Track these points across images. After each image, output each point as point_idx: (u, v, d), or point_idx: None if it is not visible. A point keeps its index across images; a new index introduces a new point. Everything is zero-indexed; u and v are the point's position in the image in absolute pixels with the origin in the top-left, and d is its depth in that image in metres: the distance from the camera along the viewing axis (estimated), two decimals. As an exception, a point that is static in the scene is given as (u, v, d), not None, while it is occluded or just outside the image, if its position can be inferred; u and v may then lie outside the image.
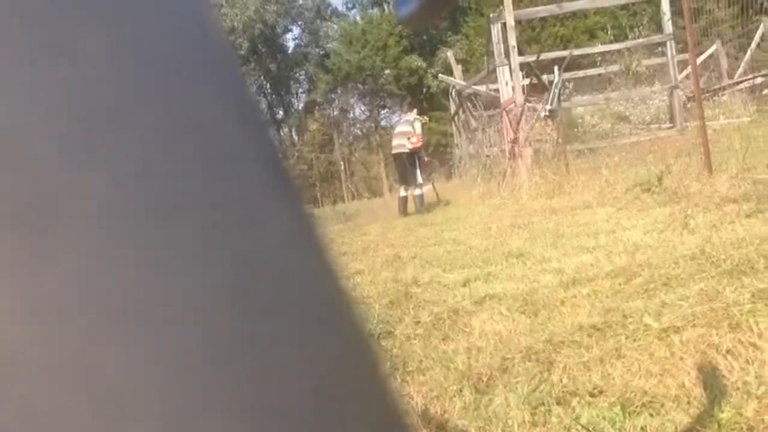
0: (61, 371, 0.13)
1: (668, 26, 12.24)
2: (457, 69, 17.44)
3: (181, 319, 0.14)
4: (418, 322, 3.16)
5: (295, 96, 35.99)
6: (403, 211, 9.89)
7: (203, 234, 0.15)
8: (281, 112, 35.37)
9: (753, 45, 15.77)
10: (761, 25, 15.69)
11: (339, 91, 32.52)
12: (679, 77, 12.58)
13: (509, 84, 10.85)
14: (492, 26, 11.43)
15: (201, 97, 0.17)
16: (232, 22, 30.16)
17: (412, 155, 9.86)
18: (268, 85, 34.74)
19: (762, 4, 18.09)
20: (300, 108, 34.93)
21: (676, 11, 11.58)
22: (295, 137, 33.69)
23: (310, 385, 0.16)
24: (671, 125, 12.41)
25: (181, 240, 0.15)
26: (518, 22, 12.12)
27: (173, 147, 0.16)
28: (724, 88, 14.84)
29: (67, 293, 0.13)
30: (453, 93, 17.83)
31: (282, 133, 34.88)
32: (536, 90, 11.54)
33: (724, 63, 16.56)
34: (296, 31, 35.64)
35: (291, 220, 0.18)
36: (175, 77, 0.17)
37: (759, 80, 14.28)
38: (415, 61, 29.65)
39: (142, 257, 0.14)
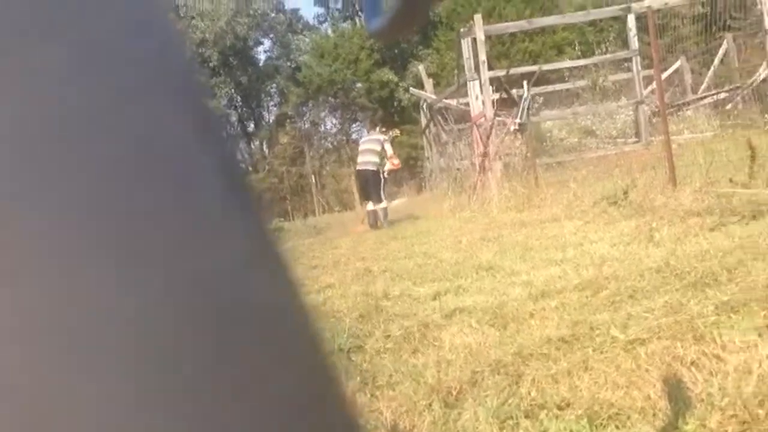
0: (9, 393, 0.12)
1: (634, 42, 12.48)
2: (428, 83, 17.57)
3: (134, 341, 0.14)
4: (389, 336, 3.16)
5: (266, 109, 35.90)
6: (374, 224, 9.94)
7: (160, 252, 0.15)
8: (252, 125, 35.24)
9: (716, 61, 16.15)
10: (724, 42, 16.09)
11: (310, 105, 32.51)
12: (645, 92, 12.82)
13: (479, 98, 10.96)
14: (462, 41, 11.55)
15: (159, 107, 0.17)
16: (203, 33, 30.01)
17: (377, 173, 9.98)
18: (239, 98, 34.58)
19: (725, 21, 18.57)
20: (271, 121, 34.83)
21: (642, 27, 11.83)
22: (266, 150, 33.56)
23: (272, 402, 0.16)
24: (637, 139, 12.63)
25: (136, 257, 0.14)
26: (488, 37, 12.27)
27: (128, 160, 0.15)
28: (688, 104, 15.16)
29: (19, 311, 0.13)
30: (424, 106, 17.95)
31: (253, 146, 34.73)
32: (506, 104, 11.67)
33: (688, 78, 16.94)
34: (267, 43, 35.52)
35: (252, 236, 0.18)
36: (132, 87, 0.16)
37: (722, 95, 14.62)
38: (387, 74, 29.79)
39: (95, 276, 0.14)
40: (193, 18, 30.35)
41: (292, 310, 0.18)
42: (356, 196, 24.65)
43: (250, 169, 32.70)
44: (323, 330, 0.18)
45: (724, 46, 16.04)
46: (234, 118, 34.78)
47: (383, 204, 10.09)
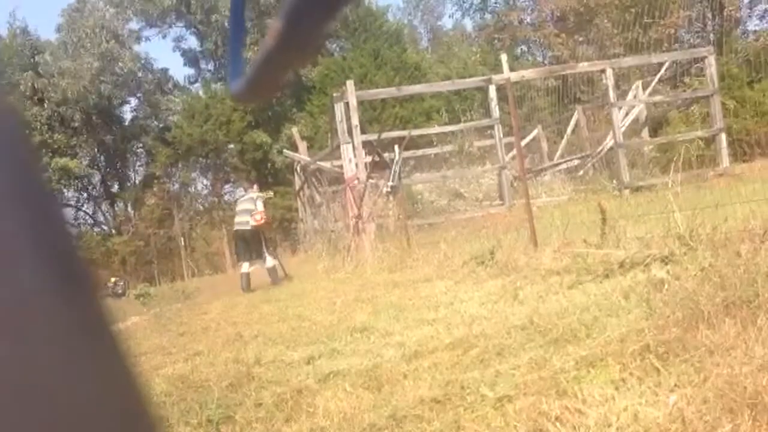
0: None
1: (495, 111, 13.30)
2: (302, 145, 17.71)
3: None
4: (260, 404, 3.05)
5: (132, 169, 34.53)
6: (247, 287, 9.72)
7: None
8: (116, 186, 33.73)
9: (569, 130, 17.51)
10: (575, 113, 17.50)
11: (180, 165, 31.68)
12: (507, 158, 13.61)
13: (353, 161, 11.17)
14: (335, 105, 11.80)
15: None
16: (64, 93, 28.64)
17: (257, 232, 9.87)
18: (103, 158, 33.13)
19: (575, 93, 20.24)
20: (137, 182, 33.52)
21: (502, 97, 12.63)
22: (132, 212, 32.15)
23: None
24: (501, 202, 13.32)
25: None
26: (360, 103, 12.62)
27: None
28: (545, 169, 16.24)
29: None
30: (298, 168, 18.02)
31: (117, 208, 33.17)
32: (378, 167, 11.96)
33: (544, 146, 18.20)
34: (134, 102, 34.40)
35: (78, 322, 0.16)
36: None
37: (575, 162, 15.81)
38: (260, 136, 29.68)
39: None
40: (53, 76, 28.97)
41: (127, 405, 0.16)
42: (228, 258, 24.08)
43: (114, 231, 31.13)
44: (161, 420, 0.17)
45: (575, 116, 17.44)
46: (97, 179, 33.21)
47: (270, 263, 9.98)
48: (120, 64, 31.02)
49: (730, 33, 27.39)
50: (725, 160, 13.51)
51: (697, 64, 17.70)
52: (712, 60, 14.28)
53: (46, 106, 29.05)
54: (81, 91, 28.81)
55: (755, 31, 29.68)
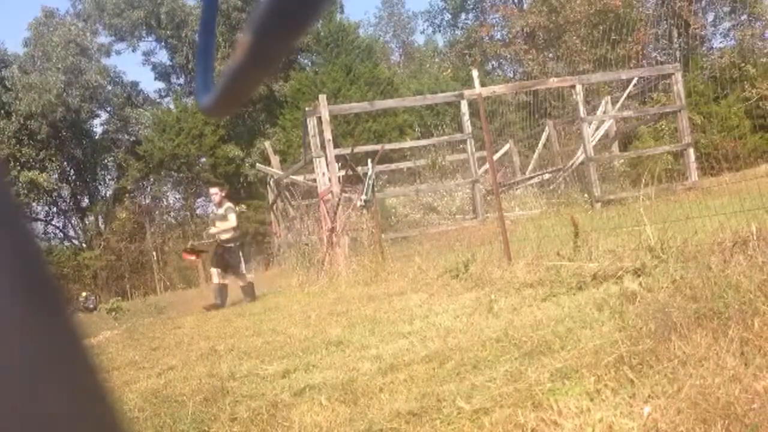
0: None
1: (467, 126, 13.40)
2: (275, 159, 17.65)
3: None
4: (235, 418, 3.02)
5: (102, 183, 34.08)
6: (223, 301, 9.45)
7: None
8: (86, 200, 33.25)
9: (540, 145, 17.71)
10: (546, 128, 17.72)
11: (151, 179, 31.36)
12: (479, 172, 13.72)
13: (326, 174, 11.16)
14: (308, 120, 11.80)
15: None
16: (29, 107, 28.17)
17: (235, 244, 9.73)
18: (72, 171, 32.65)
19: (546, 108, 20.50)
20: (108, 195, 33.09)
21: (474, 112, 12.74)
22: (102, 226, 31.69)
23: None
24: (474, 216, 13.39)
25: None
26: (333, 117, 12.63)
27: None
28: (517, 183, 16.38)
29: None
30: (271, 182, 17.95)
31: (87, 222, 32.68)
32: (351, 181, 11.95)
33: (516, 160, 18.38)
34: (104, 116, 33.96)
35: (47, 337, 0.16)
36: None
37: (547, 176, 15.98)
38: (233, 150, 29.55)
39: None
40: (20, 90, 28.51)
41: (94, 416, 0.16)
42: (201, 273, 23.82)
43: (84, 245, 30.64)
44: None
45: (546, 131, 17.65)
46: (67, 193, 32.72)
47: (244, 281, 9.81)
48: (87, 77, 30.65)
49: (695, 50, 28.06)
50: (694, 174, 13.77)
51: (664, 81, 18.10)
52: (678, 76, 14.58)
53: (13, 119, 28.60)
54: (46, 105, 28.35)
55: (720, 49, 30.50)
